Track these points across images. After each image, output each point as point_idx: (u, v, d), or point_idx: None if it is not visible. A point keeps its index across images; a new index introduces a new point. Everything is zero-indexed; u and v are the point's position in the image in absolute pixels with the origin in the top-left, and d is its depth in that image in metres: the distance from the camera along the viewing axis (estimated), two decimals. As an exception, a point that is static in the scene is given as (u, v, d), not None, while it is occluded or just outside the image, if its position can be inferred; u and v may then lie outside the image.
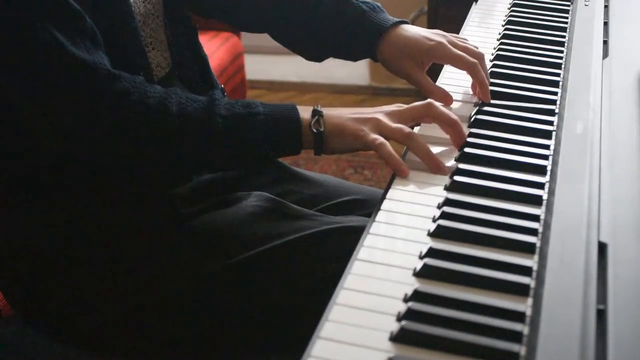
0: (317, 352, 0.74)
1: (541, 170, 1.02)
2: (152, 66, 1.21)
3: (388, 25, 1.26)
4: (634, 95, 1.11)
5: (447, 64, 1.26)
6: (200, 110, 1.07)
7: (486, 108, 1.18)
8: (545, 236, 0.88)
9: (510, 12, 1.52)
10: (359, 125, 1.08)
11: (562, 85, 1.24)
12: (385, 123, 1.08)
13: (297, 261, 1.15)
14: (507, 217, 0.92)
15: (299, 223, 1.18)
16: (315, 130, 1.08)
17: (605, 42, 1.30)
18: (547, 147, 1.07)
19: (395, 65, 1.25)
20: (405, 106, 1.12)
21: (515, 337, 0.75)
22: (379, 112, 1.10)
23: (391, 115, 1.10)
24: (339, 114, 1.11)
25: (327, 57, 1.35)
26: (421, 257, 0.87)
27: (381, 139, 1.06)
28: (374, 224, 0.94)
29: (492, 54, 1.36)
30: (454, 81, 1.27)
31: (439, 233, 0.91)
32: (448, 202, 0.96)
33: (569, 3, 1.55)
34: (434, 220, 0.93)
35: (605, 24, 1.37)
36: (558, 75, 1.28)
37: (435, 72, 1.28)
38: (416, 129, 1.13)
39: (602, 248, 0.83)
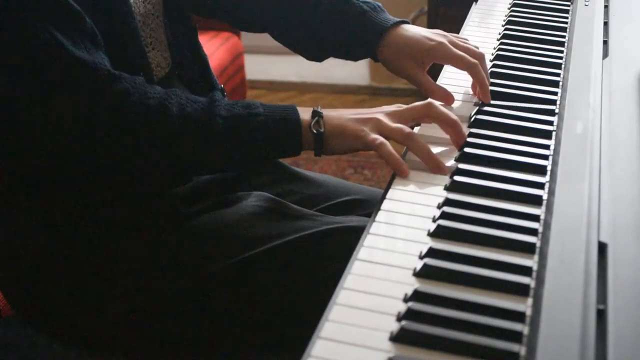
0: (317, 352, 0.74)
1: (541, 170, 1.02)
2: (152, 66, 1.21)
3: (389, 25, 1.26)
4: (634, 95, 1.11)
5: (447, 64, 1.26)
6: (200, 111, 1.07)
7: (486, 108, 1.18)
8: (545, 236, 0.88)
9: (510, 12, 1.52)
10: (359, 125, 1.08)
11: (562, 85, 1.24)
12: (385, 123, 1.08)
13: (297, 261, 1.15)
14: (507, 217, 0.92)
15: (299, 223, 1.18)
16: (315, 131, 1.08)
17: (605, 42, 1.30)
18: (547, 147, 1.07)
19: (396, 65, 1.25)
20: (405, 106, 1.12)
21: (515, 337, 0.75)
22: (379, 112, 1.10)
23: (391, 115, 1.10)
24: (339, 114, 1.11)
25: (327, 57, 1.35)
26: (421, 257, 0.87)
27: (381, 139, 1.06)
28: (374, 224, 0.94)
29: (492, 54, 1.36)
30: (454, 81, 1.27)
31: (439, 233, 0.91)
32: (448, 202, 0.96)
33: (569, 3, 1.55)
34: (434, 220, 0.93)
35: (605, 24, 1.37)
36: (558, 75, 1.28)
37: (435, 72, 1.28)
38: (416, 129, 1.13)
39: (602, 248, 0.83)
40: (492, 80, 1.24)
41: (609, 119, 1.07)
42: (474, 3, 1.61)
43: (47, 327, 1.20)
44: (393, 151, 1.05)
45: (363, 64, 3.37)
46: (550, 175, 1.00)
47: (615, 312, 0.74)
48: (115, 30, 1.12)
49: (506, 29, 1.45)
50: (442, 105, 1.13)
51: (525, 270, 0.84)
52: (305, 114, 1.10)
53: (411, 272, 0.85)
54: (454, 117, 1.09)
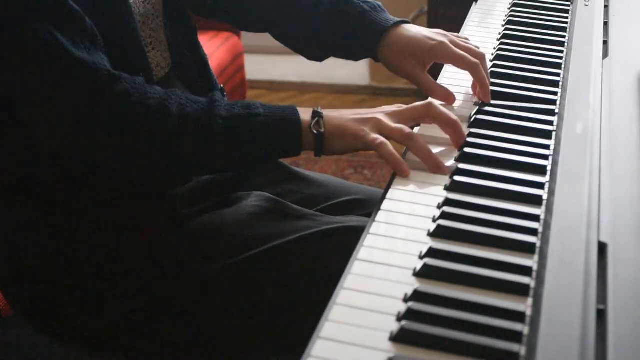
0: (317, 352, 0.74)
1: (541, 170, 1.02)
2: (151, 66, 1.21)
3: (389, 25, 1.25)
4: (634, 95, 1.11)
5: (448, 63, 1.26)
6: (200, 111, 1.07)
7: (486, 108, 1.18)
8: (545, 236, 0.88)
9: (510, 12, 1.52)
10: (360, 125, 1.08)
11: (562, 85, 1.24)
12: (385, 123, 1.08)
13: (297, 261, 1.15)
14: (507, 217, 0.92)
15: (299, 223, 1.18)
16: (315, 132, 1.08)
17: (605, 42, 1.30)
18: (547, 147, 1.07)
19: (397, 65, 1.25)
20: (405, 106, 1.12)
21: (515, 337, 0.75)
22: (379, 113, 1.10)
23: (391, 115, 1.10)
24: (339, 115, 1.11)
25: (328, 57, 1.35)
26: (421, 257, 0.87)
27: (382, 139, 1.06)
28: (374, 224, 0.94)
29: (492, 54, 1.36)
30: (454, 81, 1.27)
31: (439, 233, 0.91)
32: (448, 202, 0.96)
33: (569, 3, 1.55)
34: (434, 220, 0.93)
35: (605, 24, 1.37)
36: (558, 75, 1.28)
37: (434, 71, 1.28)
38: (416, 129, 1.13)
39: (602, 248, 0.83)
40: (492, 80, 1.24)
41: (609, 119, 1.07)
42: (474, 3, 1.61)
43: (47, 327, 1.20)
44: (393, 151, 1.05)
45: (363, 64, 3.37)
46: (550, 175, 1.00)
47: (615, 312, 0.74)
48: (115, 30, 1.12)
49: (506, 29, 1.45)
50: (442, 105, 1.13)
51: (525, 270, 0.84)
52: (305, 114, 1.10)
53: (411, 272, 0.85)
54: (454, 117, 1.09)
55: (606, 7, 1.43)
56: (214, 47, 2.58)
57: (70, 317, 1.17)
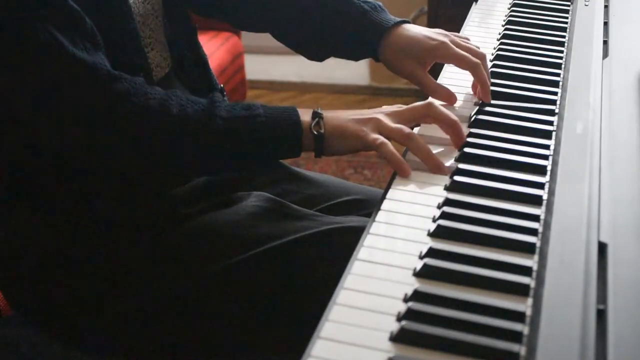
0: (317, 352, 0.74)
1: (541, 170, 1.02)
2: (151, 66, 1.21)
3: (390, 25, 1.25)
4: (634, 95, 1.11)
5: (450, 63, 1.26)
6: (201, 112, 1.07)
7: (486, 108, 1.18)
8: (545, 236, 0.88)
9: (510, 12, 1.52)
10: (360, 126, 1.08)
11: (562, 85, 1.24)
12: (385, 123, 1.08)
13: (297, 261, 1.15)
14: (507, 217, 0.92)
15: (299, 223, 1.18)
16: (315, 133, 1.08)
17: (605, 42, 1.30)
18: (547, 147, 1.07)
19: (397, 64, 1.25)
20: (405, 107, 1.12)
21: (515, 337, 0.75)
22: (379, 113, 1.10)
23: (391, 115, 1.10)
24: (339, 115, 1.11)
25: (328, 57, 1.35)
26: (421, 257, 0.87)
27: (382, 139, 1.06)
28: (374, 224, 0.94)
29: (492, 54, 1.36)
30: (454, 81, 1.27)
31: (439, 233, 0.91)
32: (448, 202, 0.96)
33: (569, 3, 1.55)
34: (434, 220, 0.93)
35: (605, 24, 1.37)
36: (558, 75, 1.28)
37: (434, 71, 1.28)
38: (416, 130, 1.13)
39: (602, 248, 0.83)
40: (492, 80, 1.24)
41: (609, 119, 1.07)
42: (474, 3, 1.61)
43: (47, 327, 1.20)
44: (394, 151, 1.05)
45: (363, 64, 3.37)
46: (550, 175, 1.00)
47: (615, 312, 0.74)
48: (115, 30, 1.12)
49: (506, 29, 1.45)
50: (442, 105, 1.13)
51: (525, 270, 0.84)
52: (305, 115, 1.10)
53: (411, 272, 0.85)
54: (454, 117, 1.09)
55: (606, 7, 1.43)
56: (214, 47, 2.58)
57: (70, 317, 1.17)
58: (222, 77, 2.53)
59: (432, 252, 0.87)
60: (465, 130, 1.11)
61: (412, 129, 1.10)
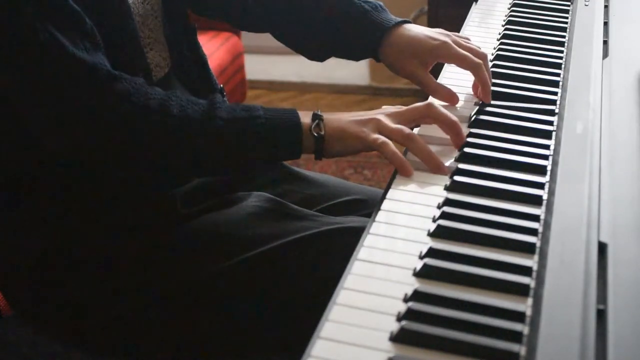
0: (317, 352, 0.74)
1: (541, 170, 1.02)
2: (150, 67, 1.21)
3: (391, 25, 1.25)
4: (634, 95, 1.11)
5: (451, 63, 1.25)
6: (201, 113, 1.07)
7: (486, 108, 1.18)
8: (545, 236, 0.88)
9: (510, 12, 1.52)
10: (360, 127, 1.08)
11: (562, 85, 1.24)
12: (385, 124, 1.08)
13: (297, 261, 1.15)
14: (507, 217, 0.92)
15: (299, 223, 1.18)
16: (315, 134, 1.08)
17: (605, 42, 1.30)
18: (547, 147, 1.07)
19: (398, 64, 1.25)
20: (405, 107, 1.12)
21: (515, 337, 0.75)
22: (379, 113, 1.10)
23: (391, 116, 1.10)
24: (339, 117, 1.11)
25: (329, 57, 1.35)
26: (421, 257, 0.87)
27: (383, 138, 1.06)
28: (374, 224, 0.94)
29: (492, 54, 1.36)
30: (455, 81, 1.27)
31: (439, 233, 0.91)
32: (448, 202, 0.96)
33: (569, 3, 1.55)
34: (434, 220, 0.93)
35: (605, 24, 1.37)
36: (558, 75, 1.28)
37: (434, 71, 1.28)
38: (415, 130, 1.13)
39: (602, 248, 0.83)
40: (492, 80, 1.24)
41: (609, 119, 1.07)
42: (474, 3, 1.61)
43: (47, 327, 1.20)
44: (396, 150, 1.05)
45: (363, 64, 3.37)
46: (550, 175, 1.00)
47: (615, 312, 0.74)
48: (114, 30, 1.12)
49: (506, 29, 1.45)
50: (442, 105, 1.13)
51: (525, 270, 0.84)
52: (305, 117, 1.10)
53: (411, 272, 0.85)
54: (453, 118, 1.09)
55: (606, 7, 1.43)
56: (214, 47, 2.58)
57: (70, 317, 1.17)
58: (222, 77, 2.54)
59: (432, 252, 0.87)
60: (465, 130, 1.11)
61: (412, 129, 1.10)
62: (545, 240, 0.87)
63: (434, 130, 1.12)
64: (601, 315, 0.75)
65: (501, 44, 1.39)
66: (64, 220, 1.14)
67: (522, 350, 0.74)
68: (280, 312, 1.15)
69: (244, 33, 2.72)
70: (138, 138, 1.07)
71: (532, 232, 0.90)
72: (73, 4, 1.05)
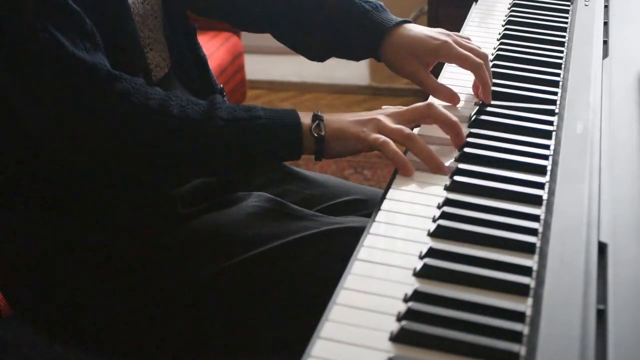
0: (317, 352, 0.74)
1: (541, 170, 1.02)
2: (150, 67, 1.21)
3: (391, 25, 1.25)
4: (634, 95, 1.11)
5: (452, 63, 1.25)
6: (201, 113, 1.07)
7: (486, 108, 1.18)
8: (545, 236, 0.88)
9: (510, 12, 1.52)
10: (360, 127, 1.08)
11: (562, 85, 1.24)
12: (385, 124, 1.08)
13: (297, 261, 1.15)
14: (507, 217, 0.92)
15: (299, 223, 1.18)
16: (316, 135, 1.08)
17: (605, 42, 1.30)
18: (547, 147, 1.07)
19: (399, 64, 1.25)
20: (406, 108, 1.12)
21: (515, 337, 0.75)
22: (379, 114, 1.10)
23: (391, 116, 1.10)
24: (339, 118, 1.11)
25: (329, 57, 1.35)
26: (421, 257, 0.87)
27: (384, 138, 1.06)
28: (374, 224, 0.94)
29: (492, 54, 1.36)
30: (455, 81, 1.27)
31: (439, 233, 0.91)
32: (448, 202, 0.96)
33: (569, 3, 1.55)
34: (434, 220, 0.93)
35: (605, 24, 1.37)
36: (558, 75, 1.28)
37: (433, 71, 1.28)
38: (416, 130, 1.13)
39: (602, 248, 0.83)
40: (492, 80, 1.24)
41: (609, 119, 1.07)
42: (474, 3, 1.61)
43: (47, 327, 1.20)
44: (397, 149, 1.05)
45: (363, 64, 3.37)
46: (550, 175, 1.00)
47: (615, 312, 0.74)
48: (114, 31, 1.12)
49: (506, 29, 1.45)
50: (442, 106, 1.13)
51: (525, 270, 0.84)
52: (305, 118, 1.10)
53: (411, 272, 0.85)
54: (454, 118, 1.09)
55: (606, 7, 1.43)
56: (214, 47, 2.58)
57: (70, 317, 1.17)
58: (222, 77, 2.53)
59: (432, 252, 0.87)
60: (465, 130, 1.11)
61: (412, 129, 1.10)
62: (545, 240, 0.87)
63: (434, 130, 1.12)
64: (601, 315, 0.75)
65: (501, 44, 1.39)
66: (64, 220, 1.14)
67: (522, 350, 0.74)
68: (280, 312, 1.15)
69: (244, 33, 2.72)
70: (138, 138, 1.07)
71: (532, 232, 0.90)
72: (73, 4, 1.05)
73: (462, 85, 1.25)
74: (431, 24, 2.65)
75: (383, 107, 1.15)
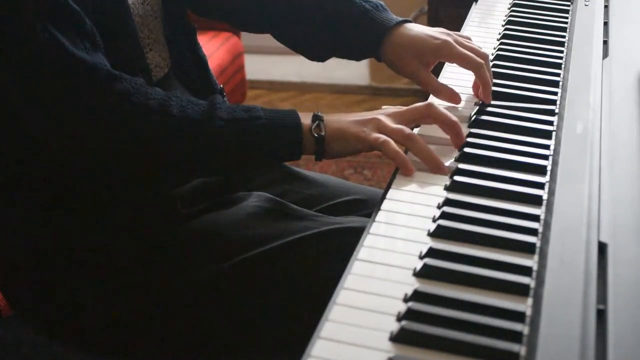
0: (317, 352, 0.74)
1: (541, 170, 1.02)
2: (150, 67, 1.21)
3: (392, 24, 1.25)
4: (634, 95, 1.11)
5: (453, 62, 1.25)
6: (201, 113, 1.07)
7: (486, 108, 1.18)
8: (545, 236, 0.88)
9: (510, 12, 1.52)
10: (360, 127, 1.08)
11: (562, 85, 1.24)
12: (385, 124, 1.08)
13: (298, 262, 1.15)
14: (507, 217, 0.92)
15: (299, 224, 1.18)
16: (316, 135, 1.08)
17: (605, 42, 1.30)
18: (547, 147, 1.07)
19: (400, 64, 1.25)
20: (406, 107, 1.12)
21: (515, 337, 0.75)
22: (380, 114, 1.10)
23: (392, 116, 1.10)
24: (339, 118, 1.11)
25: (329, 57, 1.34)
26: (421, 257, 0.87)
27: (384, 137, 1.06)
28: (374, 224, 0.94)
29: (492, 54, 1.36)
30: (455, 81, 1.27)
31: (439, 233, 0.91)
32: (448, 202, 0.96)
33: (569, 3, 1.55)
34: (434, 220, 0.93)
35: (605, 24, 1.37)
36: (558, 75, 1.28)
37: (433, 71, 1.28)
38: (416, 130, 1.13)
39: (602, 248, 0.83)
40: (493, 80, 1.24)
41: (609, 119, 1.07)
42: (474, 3, 1.61)
43: (47, 327, 1.20)
44: (398, 149, 1.05)
45: (363, 64, 3.37)
46: (550, 175, 1.00)
47: (615, 312, 0.74)
48: (114, 31, 1.12)
49: (506, 29, 1.45)
50: (442, 106, 1.13)
51: (525, 270, 0.84)
52: (305, 118, 1.10)
53: (411, 272, 0.85)
54: (454, 118, 1.09)
55: (606, 7, 1.43)
56: (214, 47, 2.58)
57: (70, 317, 1.17)
58: (222, 77, 2.54)
59: (432, 252, 0.87)
60: (465, 130, 1.11)
61: (412, 129, 1.10)
62: (545, 240, 0.87)
63: (434, 130, 1.12)
64: (601, 315, 0.75)
65: (501, 44, 1.39)
66: (64, 220, 1.14)
67: (522, 350, 0.74)
68: (280, 312, 1.15)
69: (244, 33, 2.72)
70: (138, 138, 1.07)
71: (532, 232, 0.90)
72: (73, 4, 1.05)
73: (462, 85, 1.25)
74: (431, 24, 2.65)
75: (383, 107, 1.15)
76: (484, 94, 1.19)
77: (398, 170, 1.05)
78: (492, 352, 0.74)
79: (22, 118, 1.10)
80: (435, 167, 1.04)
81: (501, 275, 0.83)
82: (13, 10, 1.02)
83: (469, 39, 1.27)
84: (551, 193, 0.96)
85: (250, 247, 1.15)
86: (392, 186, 1.02)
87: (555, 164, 1.02)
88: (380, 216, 0.95)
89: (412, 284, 0.83)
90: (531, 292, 0.81)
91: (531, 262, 0.85)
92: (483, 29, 1.49)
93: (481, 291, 0.82)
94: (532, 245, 0.88)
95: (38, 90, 1.06)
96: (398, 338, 0.75)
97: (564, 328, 0.73)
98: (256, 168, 1.31)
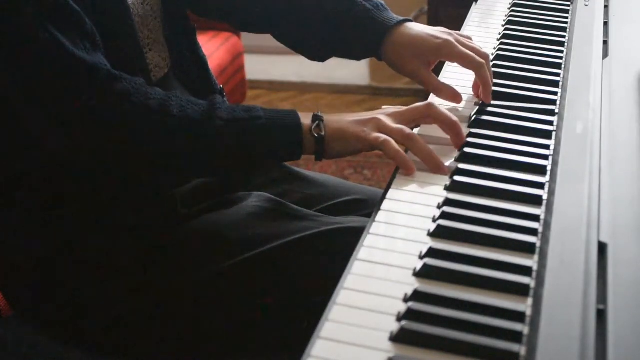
0: (317, 352, 0.74)
1: (541, 170, 1.02)
2: (150, 67, 1.21)
3: (393, 24, 1.24)
4: (634, 95, 1.11)
5: (454, 62, 1.24)
6: (201, 113, 1.07)
7: (486, 108, 1.18)
8: (545, 236, 0.88)
9: (510, 12, 1.52)
10: (360, 126, 1.08)
11: (562, 85, 1.24)
12: (385, 124, 1.08)
13: (297, 261, 1.15)
14: (507, 217, 0.92)
15: (299, 224, 1.18)
16: (316, 135, 1.08)
17: (605, 42, 1.30)
18: (547, 147, 1.07)
19: (400, 63, 1.24)
20: (406, 107, 1.12)
21: (515, 337, 0.75)
22: (379, 114, 1.10)
23: (392, 116, 1.10)
24: (339, 118, 1.10)
25: (330, 57, 1.34)
26: (421, 257, 0.87)
27: (384, 137, 1.06)
28: (374, 224, 0.94)
29: (492, 54, 1.36)
30: (455, 80, 1.27)
31: (439, 233, 0.91)
32: (448, 202, 0.96)
33: (569, 3, 1.55)
34: (434, 220, 0.93)
35: (605, 24, 1.37)
36: (558, 75, 1.28)
37: (433, 71, 1.28)
38: (416, 130, 1.13)
39: (602, 248, 0.83)
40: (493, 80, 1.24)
41: (609, 119, 1.07)
42: (474, 3, 1.61)
43: (47, 327, 1.20)
44: (398, 148, 1.05)
45: (363, 64, 3.37)
46: (550, 175, 1.00)
47: (615, 312, 0.74)
48: (113, 31, 1.12)
49: (506, 29, 1.45)
50: (442, 105, 1.13)
51: (525, 270, 0.84)
52: (305, 118, 1.10)
53: (411, 272, 0.85)
54: (454, 118, 1.09)
55: (606, 7, 1.43)
56: (214, 47, 2.58)
57: (70, 317, 1.17)
58: (222, 77, 2.54)
59: (432, 252, 0.87)
60: (465, 130, 1.11)
61: (412, 129, 1.10)
62: (545, 240, 0.87)
63: (434, 130, 1.12)
64: (601, 315, 0.75)
65: (501, 44, 1.39)
66: (64, 220, 1.14)
67: (522, 350, 0.74)
68: (280, 312, 1.15)
69: (244, 33, 2.72)
70: (138, 138, 1.07)
71: (532, 232, 0.90)
72: (73, 4, 1.05)
73: (463, 85, 1.25)
74: (431, 23, 2.64)
75: (383, 107, 1.15)
76: (484, 94, 1.19)
77: (398, 170, 1.05)
78: (492, 352, 0.74)
79: (22, 118, 1.10)
80: (435, 167, 1.04)
81: (501, 275, 0.83)
82: (13, 10, 1.02)
83: (470, 38, 1.27)
84: (551, 193, 0.96)
85: (250, 247, 1.15)
86: (392, 186, 1.02)
87: (555, 164, 1.02)
88: (380, 216, 0.95)
89: (412, 284, 0.83)
90: (531, 292, 0.81)
91: (531, 262, 0.85)
92: (483, 29, 1.49)
93: (481, 291, 0.82)
94: (532, 245, 0.88)
95: (38, 90, 1.06)
96: (398, 338, 0.75)
97: (564, 328, 0.73)
98: (256, 168, 1.31)
